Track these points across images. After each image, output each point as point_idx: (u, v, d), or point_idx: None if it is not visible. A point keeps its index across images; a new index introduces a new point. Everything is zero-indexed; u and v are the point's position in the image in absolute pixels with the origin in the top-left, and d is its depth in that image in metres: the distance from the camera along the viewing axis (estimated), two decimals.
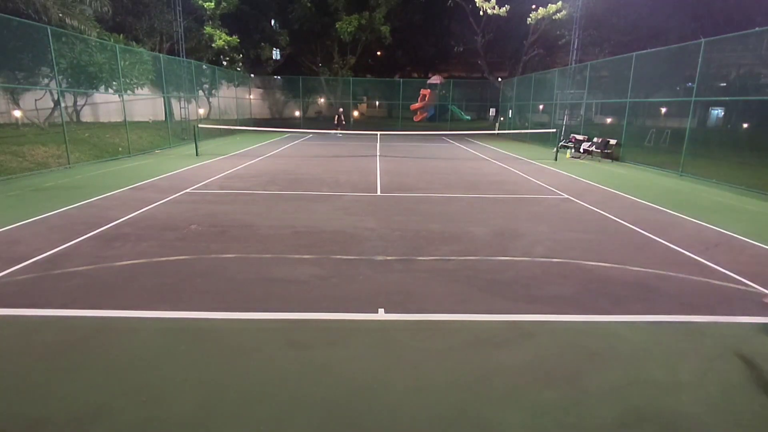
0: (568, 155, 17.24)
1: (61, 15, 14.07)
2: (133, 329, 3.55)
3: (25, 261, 4.93)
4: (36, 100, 14.93)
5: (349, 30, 30.43)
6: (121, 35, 17.64)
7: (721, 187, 10.50)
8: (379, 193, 9.24)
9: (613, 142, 15.98)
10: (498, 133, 26.65)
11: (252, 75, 33.25)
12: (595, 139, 16.91)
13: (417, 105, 30.23)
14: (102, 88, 15.37)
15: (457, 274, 4.82)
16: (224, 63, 27.57)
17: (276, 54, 37.26)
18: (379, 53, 41.93)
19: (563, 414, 2.65)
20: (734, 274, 4.95)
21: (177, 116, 21.08)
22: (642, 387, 2.92)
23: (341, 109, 25.12)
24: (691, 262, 5.33)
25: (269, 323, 3.71)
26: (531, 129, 24.14)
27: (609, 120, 22.56)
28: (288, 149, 17.98)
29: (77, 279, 4.50)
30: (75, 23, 14.69)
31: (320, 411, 2.65)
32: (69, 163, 11.97)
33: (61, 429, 2.47)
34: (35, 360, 3.11)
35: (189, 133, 19.09)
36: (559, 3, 23.17)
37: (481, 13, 27.46)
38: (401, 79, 35.79)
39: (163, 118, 20.37)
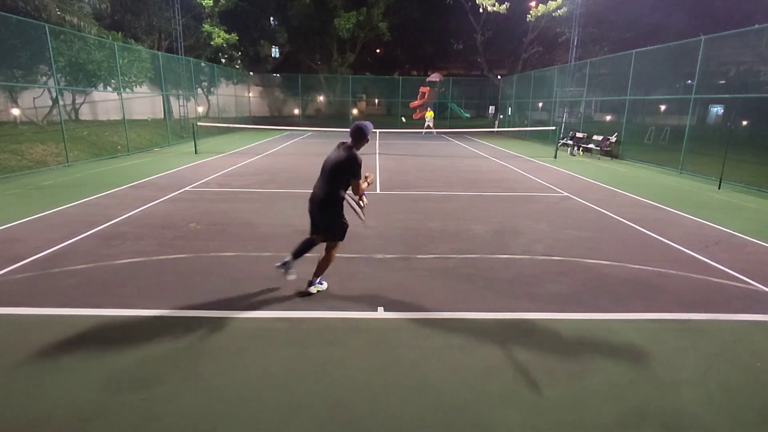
0: (568, 153, 17.23)
1: (59, 12, 14.01)
2: (133, 328, 3.54)
3: (24, 259, 4.92)
4: (34, 98, 14.89)
5: (347, 27, 30.36)
6: (120, 33, 17.58)
7: (722, 184, 10.46)
8: (378, 191, 9.23)
9: (612, 139, 15.98)
10: (497, 131, 26.63)
11: (251, 73, 33.17)
12: (595, 137, 16.91)
13: (416, 103, 30.17)
14: (100, 86, 15.31)
15: (456, 273, 4.81)
16: (223, 61, 27.50)
17: (275, 51, 37.18)
18: (378, 51, 41.87)
19: (564, 413, 2.65)
20: (734, 271, 4.95)
21: (176, 114, 21.05)
22: (643, 385, 2.92)
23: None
24: (691, 260, 5.33)
25: (269, 322, 3.70)
26: (530, 127, 24.12)
27: (608, 117, 22.57)
28: (287, 147, 17.96)
29: (76, 277, 4.49)
30: (74, 20, 14.64)
31: (320, 410, 2.65)
32: (68, 162, 11.94)
33: (60, 428, 2.46)
34: (34, 359, 3.10)
35: (188, 131, 19.06)
36: (559, 0, 23.13)
37: (480, 10, 27.43)
38: (400, 77, 35.69)
39: (162, 116, 20.33)
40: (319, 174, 4.00)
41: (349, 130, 3.94)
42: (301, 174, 11.15)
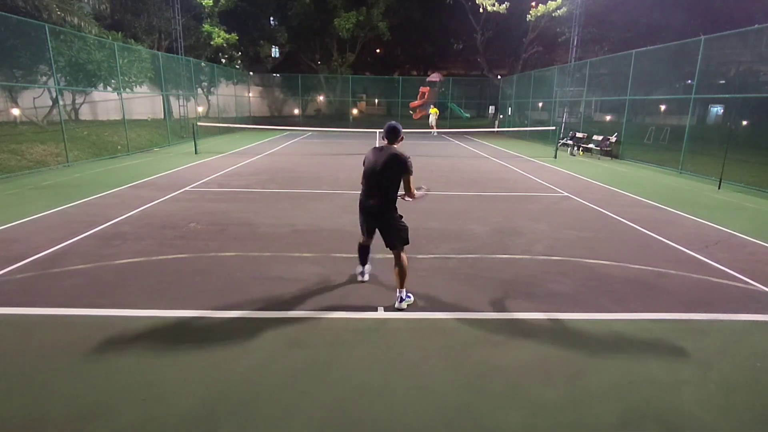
0: (568, 153, 17.23)
1: (59, 12, 14.01)
2: (132, 328, 3.54)
3: (24, 259, 4.92)
4: (34, 98, 14.88)
5: (347, 27, 30.36)
6: (120, 33, 17.58)
7: (722, 184, 10.47)
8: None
9: (612, 139, 15.98)
10: (497, 131, 26.63)
11: (251, 73, 33.18)
12: (595, 137, 16.91)
13: (416, 103, 30.19)
14: (100, 86, 15.32)
15: (456, 273, 4.82)
16: (223, 61, 27.50)
17: (275, 51, 37.17)
18: (378, 51, 41.86)
19: (563, 413, 2.65)
20: (734, 271, 4.95)
21: (176, 114, 21.04)
22: (642, 385, 2.92)
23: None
24: (690, 260, 5.33)
25: (269, 322, 3.70)
26: (530, 127, 24.12)
27: (608, 117, 22.57)
28: (287, 147, 17.96)
29: (76, 278, 4.49)
30: (74, 21, 14.64)
31: (320, 410, 2.65)
32: (68, 162, 11.94)
33: (60, 428, 2.46)
34: (34, 359, 3.10)
35: (188, 131, 19.06)
36: (559, 0, 23.13)
37: (480, 10, 27.44)
38: (400, 77, 35.69)
39: (162, 116, 20.33)
40: (364, 184, 3.97)
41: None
42: (301, 174, 11.15)
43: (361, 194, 4.05)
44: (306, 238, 5.92)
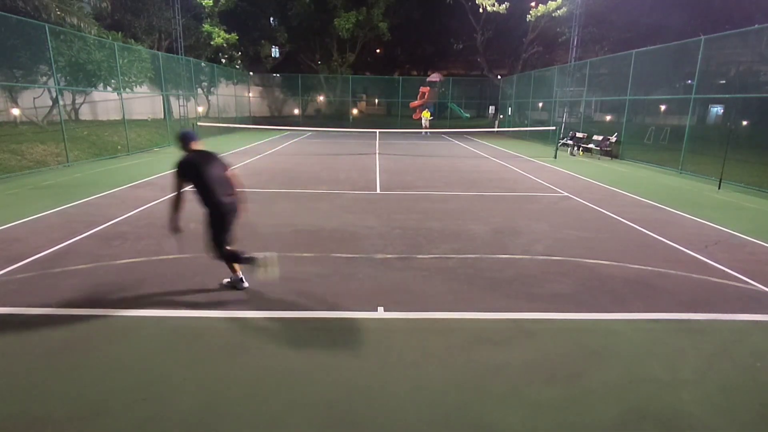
0: (568, 153, 17.24)
1: (59, 12, 14.02)
2: (133, 328, 3.54)
3: (25, 259, 4.92)
4: (34, 99, 14.89)
5: (347, 27, 30.36)
6: (120, 33, 17.59)
7: (722, 184, 10.46)
8: (378, 191, 9.23)
9: (612, 139, 15.99)
10: (497, 131, 26.64)
11: (251, 73, 33.18)
12: (595, 137, 16.91)
13: (416, 103, 30.20)
14: (100, 86, 15.31)
15: (456, 273, 4.81)
16: (223, 61, 27.51)
17: (275, 51, 37.20)
18: (378, 51, 41.87)
19: (564, 413, 2.65)
20: (734, 271, 4.95)
21: (176, 114, 21.06)
22: (642, 385, 2.92)
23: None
24: (690, 260, 5.33)
25: (269, 322, 3.70)
26: (530, 127, 24.12)
27: (608, 117, 22.56)
28: (287, 147, 17.96)
29: (76, 277, 4.49)
30: (74, 21, 14.65)
31: (320, 410, 2.65)
32: (68, 162, 11.94)
33: (61, 428, 2.46)
34: (35, 359, 3.10)
35: None
36: (559, 0, 23.13)
37: (480, 10, 27.43)
38: (400, 77, 35.69)
39: (162, 116, 20.34)
40: (215, 187, 4.01)
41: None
42: (301, 174, 11.15)
43: (218, 200, 4.00)
44: (306, 238, 5.93)
